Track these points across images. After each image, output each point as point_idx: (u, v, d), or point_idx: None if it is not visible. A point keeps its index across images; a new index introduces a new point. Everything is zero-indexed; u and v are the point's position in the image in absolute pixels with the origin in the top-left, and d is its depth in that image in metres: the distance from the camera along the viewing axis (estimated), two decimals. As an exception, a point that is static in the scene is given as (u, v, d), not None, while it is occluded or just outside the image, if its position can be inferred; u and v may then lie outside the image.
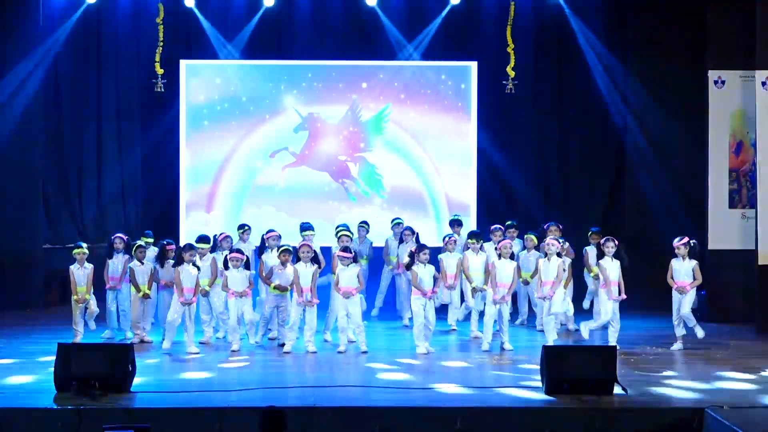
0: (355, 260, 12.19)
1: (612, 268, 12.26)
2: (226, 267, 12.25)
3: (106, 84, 16.76)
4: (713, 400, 9.38)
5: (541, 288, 12.30)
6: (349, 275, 12.07)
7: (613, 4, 16.58)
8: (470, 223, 15.99)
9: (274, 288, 12.23)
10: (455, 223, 14.31)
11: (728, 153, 14.68)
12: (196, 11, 16.38)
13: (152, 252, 13.42)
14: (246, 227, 13.88)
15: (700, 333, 12.26)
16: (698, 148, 15.00)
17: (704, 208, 14.73)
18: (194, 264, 12.16)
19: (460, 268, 12.98)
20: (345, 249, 12.25)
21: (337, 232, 13.20)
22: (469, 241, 13.04)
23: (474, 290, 12.86)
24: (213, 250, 12.92)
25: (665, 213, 15.76)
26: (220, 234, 13.35)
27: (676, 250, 12.30)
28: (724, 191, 14.67)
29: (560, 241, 12.69)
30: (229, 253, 12.32)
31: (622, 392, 9.54)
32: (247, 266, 12.26)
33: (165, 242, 12.87)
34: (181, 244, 13.58)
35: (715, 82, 14.64)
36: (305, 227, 13.22)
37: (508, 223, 14.21)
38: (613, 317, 12.23)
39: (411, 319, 14.23)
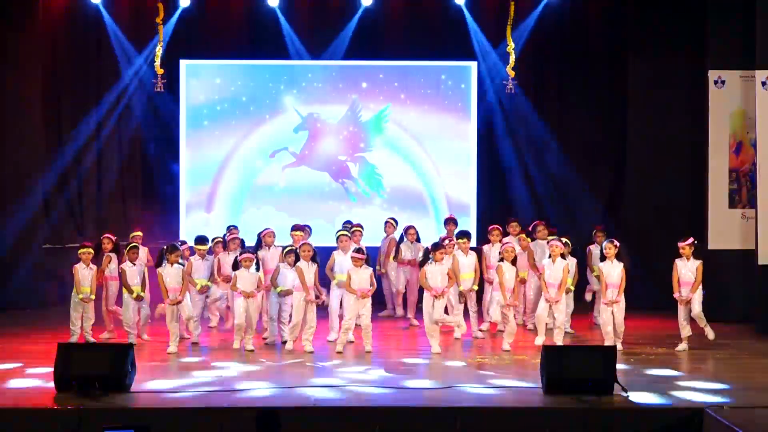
0: (368, 262, 12.21)
1: (610, 271, 12.20)
2: (235, 267, 12.26)
3: (106, 84, 16.75)
4: (713, 400, 9.38)
5: (549, 290, 12.20)
6: (362, 277, 12.08)
7: (613, 4, 16.58)
8: (470, 223, 15.99)
9: (280, 293, 12.31)
10: (450, 222, 14.32)
11: (728, 153, 14.68)
12: (197, 11, 16.39)
13: (142, 252, 13.45)
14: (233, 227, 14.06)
15: (710, 335, 12.23)
16: (698, 148, 15.00)
17: (704, 208, 14.73)
18: (179, 263, 12.21)
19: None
20: (358, 250, 12.26)
21: (339, 233, 13.27)
22: (459, 241, 12.98)
23: (461, 294, 12.80)
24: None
25: (665, 213, 15.75)
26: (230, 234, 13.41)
27: (681, 251, 12.27)
28: (724, 191, 14.67)
29: (563, 241, 12.65)
30: (240, 254, 12.33)
31: (622, 392, 9.55)
32: (257, 267, 12.26)
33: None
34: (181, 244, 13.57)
35: (715, 82, 14.64)
36: (295, 228, 13.54)
37: (512, 219, 14.26)
38: (606, 320, 12.21)
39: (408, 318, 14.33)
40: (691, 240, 12.38)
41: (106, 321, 13.07)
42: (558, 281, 12.14)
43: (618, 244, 12.28)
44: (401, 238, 14.39)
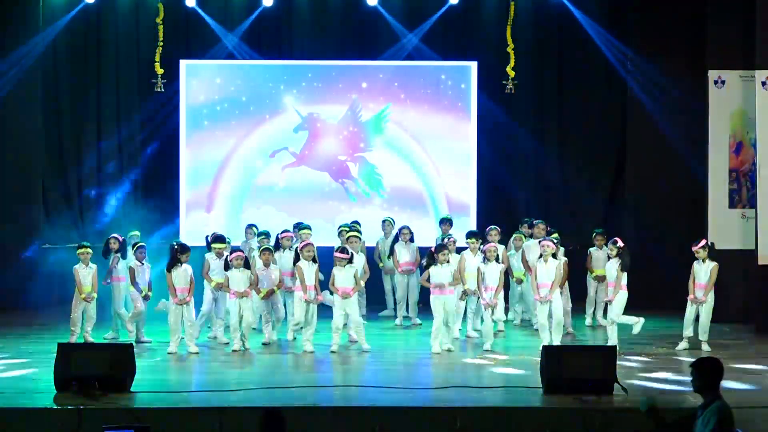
0: (350, 261, 12.25)
1: (609, 269, 12.24)
2: (227, 267, 12.29)
3: (106, 84, 16.75)
4: (713, 400, 9.36)
5: (539, 290, 12.22)
6: (345, 275, 12.12)
7: (614, 4, 16.58)
8: (470, 223, 15.98)
9: (263, 297, 12.35)
10: (445, 222, 14.32)
11: (728, 153, 14.68)
12: (198, 10, 16.38)
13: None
14: (253, 227, 14.14)
15: (705, 348, 12.22)
16: (698, 148, 15.00)
17: (704, 208, 14.73)
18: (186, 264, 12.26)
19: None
20: (342, 250, 12.31)
21: (341, 232, 13.31)
22: (468, 240, 12.98)
23: (464, 293, 12.79)
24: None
25: (665, 213, 15.75)
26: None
27: (696, 254, 12.28)
28: (724, 191, 14.67)
29: (554, 241, 12.67)
30: (230, 254, 12.37)
31: (622, 392, 9.54)
32: (247, 266, 12.32)
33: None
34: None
35: (715, 82, 14.64)
36: (302, 226, 13.63)
37: (527, 220, 14.22)
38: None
39: (406, 317, 14.31)
40: (704, 242, 12.39)
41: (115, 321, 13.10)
42: (551, 280, 12.15)
43: (622, 245, 12.27)
44: (395, 239, 14.39)
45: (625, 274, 12.11)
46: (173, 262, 12.14)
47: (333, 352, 11.97)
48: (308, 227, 13.75)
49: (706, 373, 6.84)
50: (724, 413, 6.68)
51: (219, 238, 12.85)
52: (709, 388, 6.81)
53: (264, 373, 10.86)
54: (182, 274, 12.14)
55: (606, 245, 13.39)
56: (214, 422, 8.90)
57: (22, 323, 14.21)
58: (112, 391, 9.48)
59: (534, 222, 13.83)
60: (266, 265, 12.44)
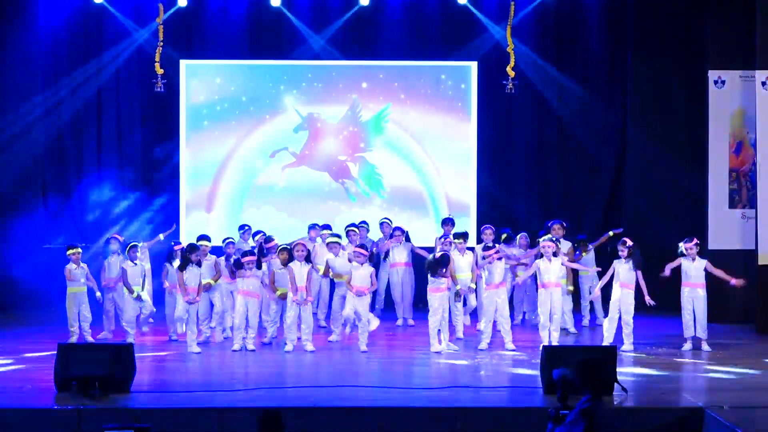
0: (369, 259, 12.24)
1: (623, 270, 12.24)
2: (239, 267, 12.31)
3: (106, 84, 16.75)
4: (713, 400, 9.38)
5: (543, 290, 12.24)
6: (362, 274, 12.10)
7: (614, 4, 16.58)
8: (470, 223, 15.99)
9: (280, 296, 12.37)
10: (447, 222, 14.32)
11: (728, 153, 14.69)
12: (197, 11, 16.40)
13: (144, 250, 13.56)
14: (246, 227, 14.14)
15: (705, 347, 12.23)
16: (698, 148, 15.01)
17: (704, 208, 14.73)
18: (198, 264, 12.26)
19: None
20: (361, 246, 12.31)
21: (349, 232, 13.39)
22: (456, 241, 12.98)
23: (458, 294, 12.79)
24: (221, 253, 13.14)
25: (665, 213, 15.75)
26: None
27: (687, 251, 12.27)
28: (724, 191, 14.68)
29: (554, 240, 12.67)
30: (243, 255, 12.36)
31: (622, 392, 9.54)
32: (258, 267, 12.32)
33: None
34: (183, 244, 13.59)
35: (715, 82, 14.64)
36: (324, 227, 13.78)
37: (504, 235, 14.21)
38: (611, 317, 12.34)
39: (404, 318, 14.34)
40: (696, 240, 12.40)
41: (105, 322, 13.11)
42: (552, 280, 12.17)
43: (631, 244, 12.29)
44: (389, 239, 14.38)
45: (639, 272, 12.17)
46: (185, 262, 12.19)
47: (330, 341, 12.01)
48: (328, 227, 13.78)
49: (585, 374, 7.06)
50: (584, 414, 6.88)
51: (203, 238, 12.99)
52: (587, 388, 7.02)
53: (264, 373, 10.85)
54: (193, 273, 12.19)
55: (589, 251, 13.62)
56: (214, 422, 8.91)
57: (21, 323, 14.22)
58: (112, 391, 9.48)
59: (550, 224, 13.81)
60: (284, 264, 12.40)
